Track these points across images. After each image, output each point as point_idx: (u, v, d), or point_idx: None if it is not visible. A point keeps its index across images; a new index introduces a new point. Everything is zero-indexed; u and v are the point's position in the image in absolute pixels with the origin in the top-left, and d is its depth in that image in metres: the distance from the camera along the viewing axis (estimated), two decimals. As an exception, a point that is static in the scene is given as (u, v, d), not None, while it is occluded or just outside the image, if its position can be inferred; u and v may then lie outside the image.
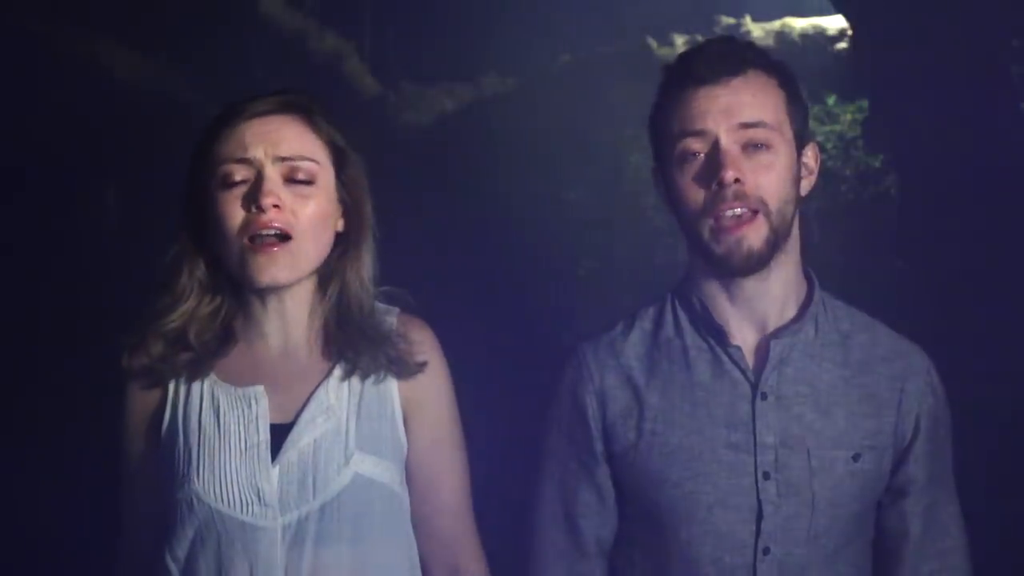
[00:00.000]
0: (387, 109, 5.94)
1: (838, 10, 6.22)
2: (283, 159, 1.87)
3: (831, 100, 5.94)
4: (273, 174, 1.86)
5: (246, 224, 1.85)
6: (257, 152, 1.87)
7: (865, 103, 5.90)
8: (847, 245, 4.93)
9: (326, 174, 1.92)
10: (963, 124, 5.10)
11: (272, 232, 1.85)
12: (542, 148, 5.68)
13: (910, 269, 4.98)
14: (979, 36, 5.09)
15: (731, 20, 6.53)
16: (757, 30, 6.57)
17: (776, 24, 6.68)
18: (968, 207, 4.99)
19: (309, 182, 1.89)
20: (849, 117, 5.95)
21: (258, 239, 1.84)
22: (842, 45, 6.47)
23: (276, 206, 1.85)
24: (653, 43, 6.08)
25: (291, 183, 1.88)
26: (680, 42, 6.18)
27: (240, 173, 1.87)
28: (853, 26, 6.15)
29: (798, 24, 6.66)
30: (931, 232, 5.06)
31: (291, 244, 1.86)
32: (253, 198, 1.85)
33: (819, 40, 6.57)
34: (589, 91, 5.67)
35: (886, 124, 5.64)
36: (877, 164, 5.78)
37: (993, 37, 5.08)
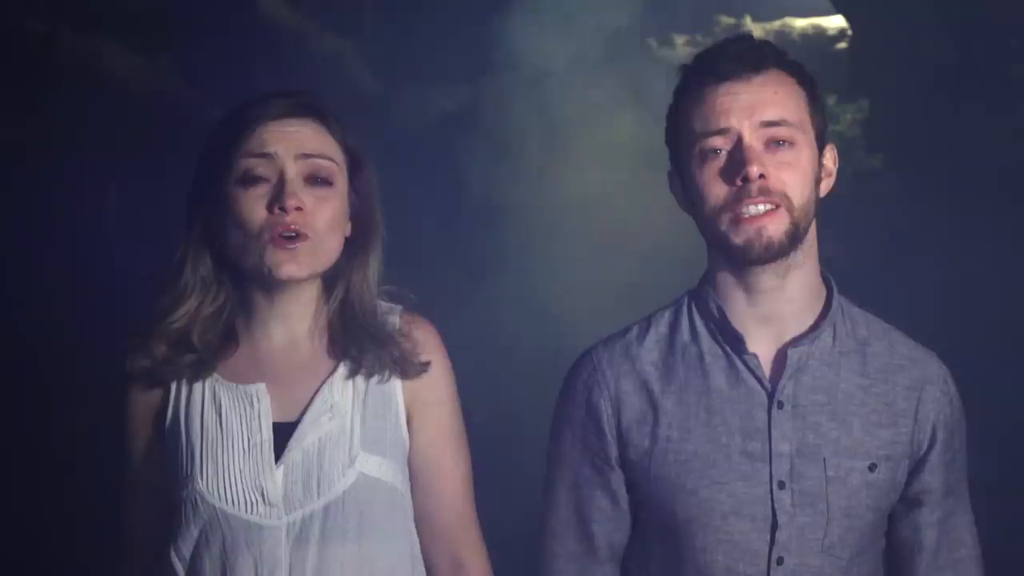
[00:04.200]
0: (387, 109, 5.95)
1: (838, 10, 6.24)
2: (305, 156, 1.88)
3: (831, 100, 5.95)
4: (294, 174, 1.86)
5: (267, 224, 1.85)
6: (278, 148, 1.87)
7: (865, 103, 5.91)
8: (847, 245, 4.93)
9: (342, 177, 1.92)
10: (963, 124, 5.10)
11: (293, 234, 1.85)
12: (541, 148, 5.68)
13: (908, 269, 4.98)
14: (979, 36, 5.09)
15: (731, 20, 6.53)
16: (757, 30, 6.57)
17: (776, 24, 6.69)
18: (968, 206, 5.00)
19: (328, 183, 1.89)
20: (849, 117, 5.95)
21: (278, 238, 1.85)
22: (842, 45, 6.48)
23: (298, 208, 1.85)
24: (653, 43, 6.08)
25: (311, 184, 1.88)
26: (680, 42, 6.19)
27: (260, 169, 1.87)
28: (853, 26, 6.16)
29: (798, 24, 6.67)
30: (931, 231, 5.06)
31: (310, 243, 1.87)
32: (276, 199, 1.85)
33: (819, 40, 6.58)
34: (589, 91, 5.67)
35: (886, 124, 5.65)
36: (877, 164, 5.78)
37: (993, 37, 5.09)
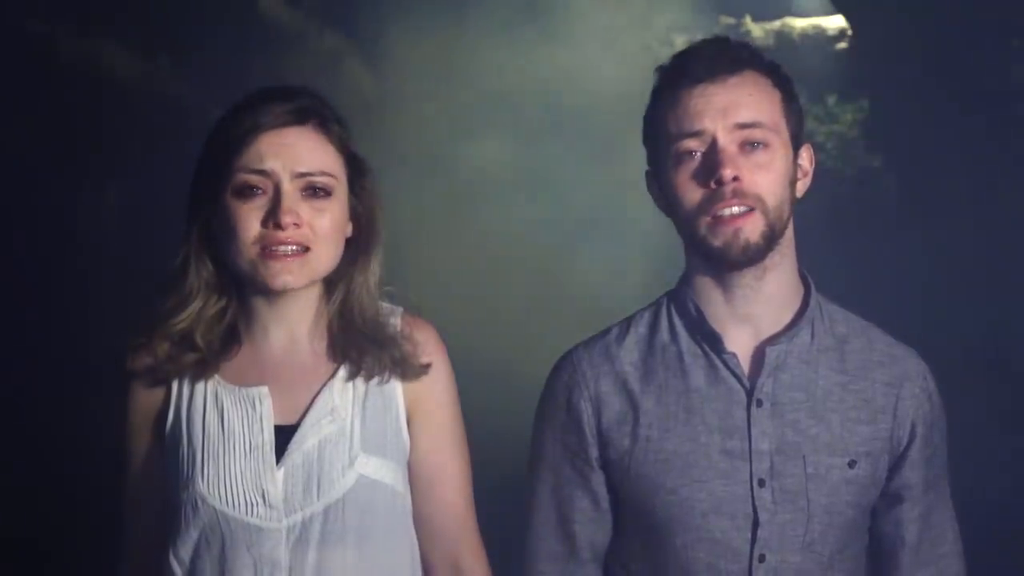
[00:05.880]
0: (387, 109, 5.94)
1: (838, 10, 6.24)
2: (301, 175, 1.87)
3: (831, 100, 5.94)
4: (291, 190, 1.86)
5: (262, 237, 1.85)
6: (275, 165, 1.84)
7: (865, 103, 5.90)
8: (846, 244, 4.93)
9: (341, 185, 1.92)
10: (963, 124, 5.10)
11: (290, 248, 1.85)
12: (541, 147, 5.68)
13: (908, 269, 4.98)
14: (979, 36, 5.09)
15: (731, 20, 6.53)
16: (757, 30, 6.57)
17: (776, 24, 6.68)
18: (967, 206, 5.00)
19: (326, 196, 1.89)
20: (849, 117, 5.95)
21: (274, 250, 1.85)
22: (842, 45, 6.47)
23: (295, 224, 1.85)
24: (653, 43, 6.08)
25: (308, 197, 1.88)
26: (680, 42, 6.18)
27: (256, 183, 1.86)
28: (853, 26, 6.16)
29: (798, 24, 6.66)
30: (930, 231, 5.07)
31: (308, 255, 1.87)
32: (272, 214, 1.84)
33: (819, 40, 6.58)
34: (588, 92, 5.67)
35: (886, 124, 5.65)
36: (877, 164, 5.78)
37: (993, 37, 5.09)
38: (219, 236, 1.89)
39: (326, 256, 1.89)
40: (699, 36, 2.07)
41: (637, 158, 2.09)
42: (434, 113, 5.78)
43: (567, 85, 5.75)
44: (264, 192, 1.86)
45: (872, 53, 5.77)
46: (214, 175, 1.88)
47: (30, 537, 4.38)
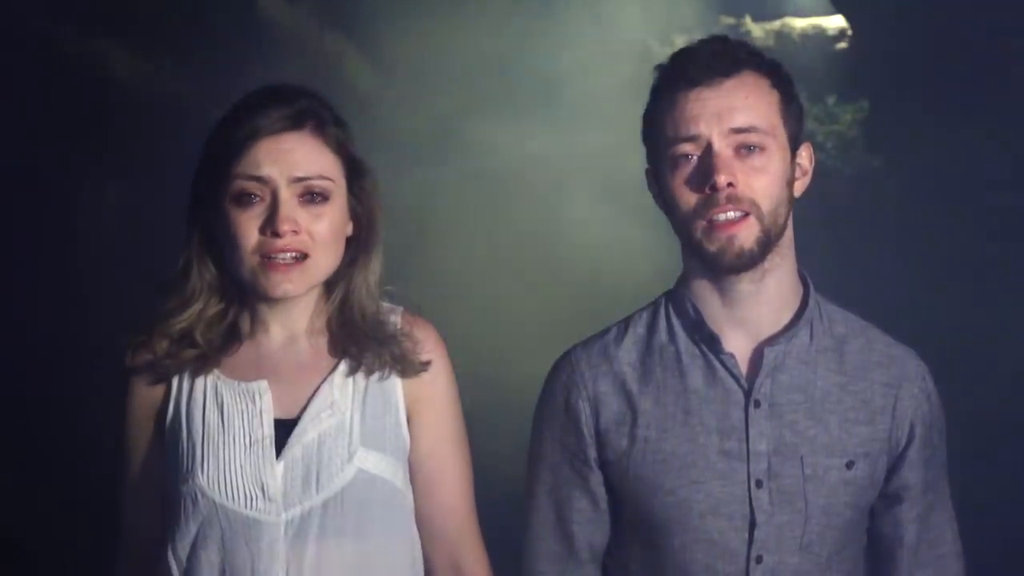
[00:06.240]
0: (387, 109, 5.94)
1: (838, 10, 6.25)
2: (298, 180, 1.87)
3: (831, 100, 5.95)
4: (288, 197, 1.86)
5: (261, 244, 1.85)
6: (272, 171, 1.84)
7: (865, 103, 5.91)
8: (846, 245, 4.93)
9: (340, 189, 1.92)
10: (963, 124, 5.10)
11: (289, 256, 1.86)
12: (541, 145, 5.69)
13: (908, 269, 4.98)
14: (979, 36, 5.09)
15: (731, 20, 6.54)
16: (757, 30, 6.58)
17: (776, 24, 6.69)
18: (967, 206, 5.00)
19: (323, 200, 1.89)
20: (849, 117, 5.96)
21: (273, 258, 1.86)
22: (842, 45, 6.48)
23: (294, 231, 1.85)
24: (654, 43, 6.08)
25: (306, 203, 1.88)
26: (679, 42, 6.18)
27: (254, 190, 1.86)
28: (853, 26, 6.17)
29: (798, 24, 6.67)
30: (930, 231, 5.07)
31: (307, 261, 1.88)
32: (270, 222, 1.85)
33: (819, 40, 6.58)
34: (588, 90, 5.68)
35: (886, 124, 5.66)
36: (877, 164, 5.79)
37: (993, 37, 5.09)
38: (220, 241, 1.89)
39: (325, 261, 1.89)
40: (699, 36, 2.06)
41: (636, 156, 2.09)
42: (434, 112, 5.79)
43: (568, 84, 5.75)
44: (262, 199, 1.86)
45: (872, 53, 5.77)
46: (213, 179, 1.88)
47: (30, 537, 4.38)
